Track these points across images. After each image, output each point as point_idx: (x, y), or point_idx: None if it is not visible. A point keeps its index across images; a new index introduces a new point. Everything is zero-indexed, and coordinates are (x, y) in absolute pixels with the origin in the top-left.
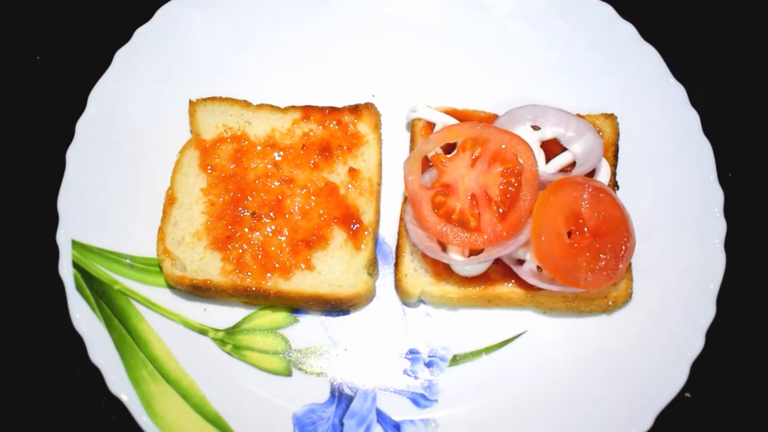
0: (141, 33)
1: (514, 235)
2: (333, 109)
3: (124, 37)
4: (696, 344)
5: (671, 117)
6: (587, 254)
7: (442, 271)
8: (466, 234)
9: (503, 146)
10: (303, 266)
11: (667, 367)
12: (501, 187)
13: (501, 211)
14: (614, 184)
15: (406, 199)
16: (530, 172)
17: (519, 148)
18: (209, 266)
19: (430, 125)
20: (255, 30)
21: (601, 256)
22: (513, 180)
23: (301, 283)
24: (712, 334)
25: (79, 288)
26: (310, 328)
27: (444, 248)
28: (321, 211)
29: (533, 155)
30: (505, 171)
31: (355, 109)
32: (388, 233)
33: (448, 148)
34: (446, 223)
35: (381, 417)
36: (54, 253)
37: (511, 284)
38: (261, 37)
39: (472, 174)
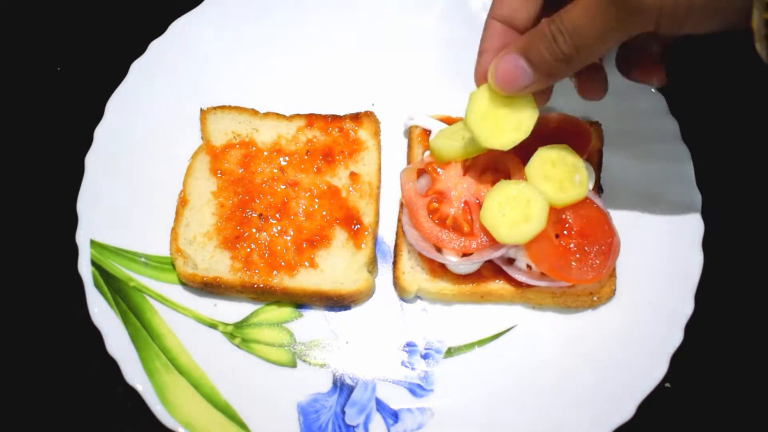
0: (155, 45)
1: None
2: (335, 117)
3: (139, 50)
4: (675, 338)
5: (652, 124)
6: (577, 254)
7: (438, 268)
8: (461, 239)
9: (492, 156)
10: (307, 264)
11: (648, 359)
12: None
13: None
14: (599, 188)
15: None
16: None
17: (507, 159)
18: (219, 264)
19: (426, 132)
20: (262, 43)
21: (588, 253)
22: None
23: (305, 280)
24: (690, 328)
25: (97, 285)
26: (313, 322)
27: (439, 249)
28: (324, 213)
29: (521, 166)
30: (495, 180)
31: (356, 117)
32: (387, 233)
33: None
34: (441, 228)
35: (380, 405)
36: (73, 252)
37: (502, 281)
38: (268, 50)
39: (465, 182)
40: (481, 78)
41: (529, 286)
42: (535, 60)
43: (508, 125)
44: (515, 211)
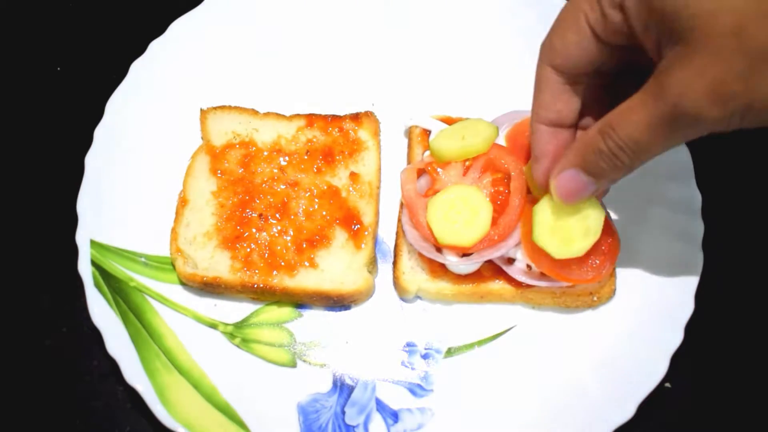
0: (155, 45)
1: (504, 239)
2: (335, 117)
3: (139, 50)
4: (676, 338)
5: None
6: None
7: (438, 268)
8: None
9: (492, 156)
10: (307, 264)
11: (649, 359)
12: (492, 194)
13: (492, 216)
14: None
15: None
16: (518, 180)
17: (507, 159)
18: (219, 264)
19: (426, 132)
20: (262, 43)
21: (588, 253)
22: (502, 188)
23: (305, 280)
24: (690, 328)
25: (97, 285)
26: (313, 322)
27: (439, 248)
28: (324, 213)
29: (520, 165)
30: (495, 179)
31: (356, 117)
32: (387, 233)
33: None
34: None
35: (380, 405)
36: (73, 252)
37: (502, 281)
38: (268, 50)
39: (464, 182)
40: (543, 184)
41: (529, 286)
42: (595, 173)
43: (577, 233)
44: (462, 213)
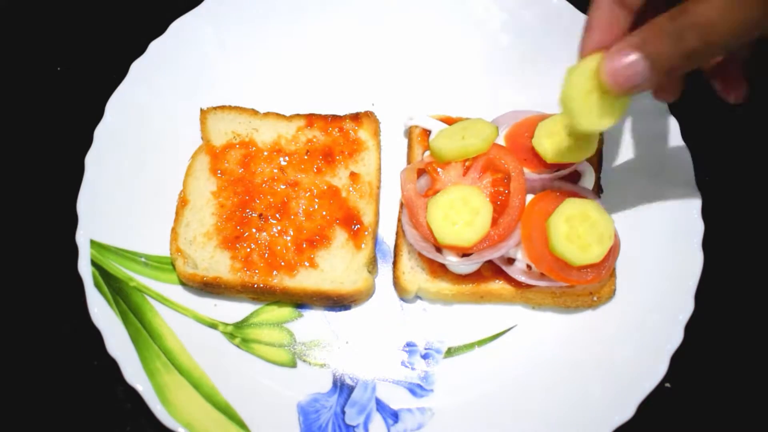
0: (155, 45)
1: (505, 239)
2: (335, 117)
3: (140, 50)
4: (675, 337)
5: (653, 124)
6: None
7: (438, 268)
8: None
9: (492, 156)
10: (307, 264)
11: (649, 358)
12: (491, 194)
13: (492, 216)
14: (598, 188)
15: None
16: (518, 181)
17: (507, 159)
18: (219, 264)
19: (426, 132)
20: (263, 43)
21: None
22: (502, 188)
23: (305, 280)
24: (690, 328)
25: (97, 285)
26: (313, 322)
27: (439, 248)
28: (324, 213)
29: (520, 165)
30: (495, 179)
31: (356, 117)
32: (387, 233)
33: None
34: None
35: (380, 405)
36: (73, 252)
37: (502, 281)
38: (268, 50)
39: (464, 183)
40: (587, 53)
41: (529, 286)
42: (654, 54)
43: (592, 240)
44: (462, 213)
